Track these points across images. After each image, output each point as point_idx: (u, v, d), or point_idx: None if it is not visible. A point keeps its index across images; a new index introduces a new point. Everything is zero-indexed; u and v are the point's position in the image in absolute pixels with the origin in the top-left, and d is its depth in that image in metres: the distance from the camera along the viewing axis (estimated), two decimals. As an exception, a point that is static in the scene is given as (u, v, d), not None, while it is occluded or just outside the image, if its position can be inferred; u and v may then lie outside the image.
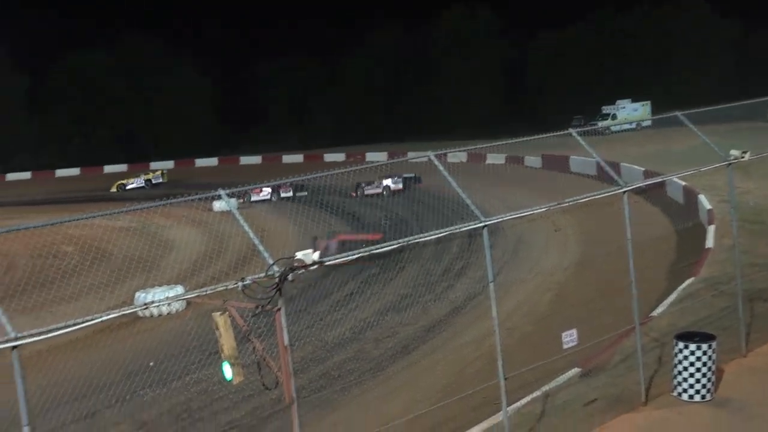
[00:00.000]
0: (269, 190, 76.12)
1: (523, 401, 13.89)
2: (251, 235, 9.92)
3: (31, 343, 8.33)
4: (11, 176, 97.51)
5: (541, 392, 14.27)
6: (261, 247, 9.70)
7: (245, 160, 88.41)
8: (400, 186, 52.30)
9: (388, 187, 52.02)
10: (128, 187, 77.59)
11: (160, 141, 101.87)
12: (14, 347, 8.12)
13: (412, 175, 50.29)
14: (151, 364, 21.57)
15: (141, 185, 77.72)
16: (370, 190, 51.04)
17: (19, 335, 8.12)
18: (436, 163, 11.81)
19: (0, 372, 9.03)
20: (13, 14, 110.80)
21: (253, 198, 75.93)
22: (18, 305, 8.88)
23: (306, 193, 45.02)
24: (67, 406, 18.57)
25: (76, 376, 20.71)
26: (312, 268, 10.20)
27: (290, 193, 71.89)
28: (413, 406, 16.54)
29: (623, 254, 13.09)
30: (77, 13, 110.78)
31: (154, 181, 78.63)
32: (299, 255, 9.60)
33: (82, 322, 8.79)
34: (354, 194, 49.30)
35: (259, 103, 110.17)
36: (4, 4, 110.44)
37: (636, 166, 41.60)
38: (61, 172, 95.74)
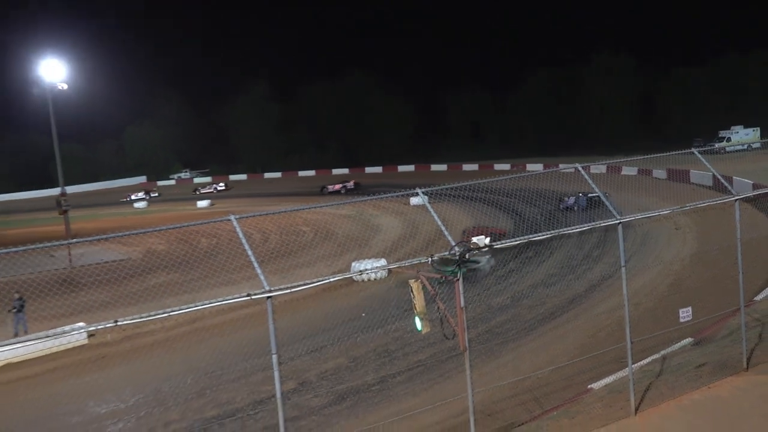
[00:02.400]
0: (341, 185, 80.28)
1: (645, 361, 13.39)
2: (439, 223, 10.02)
3: (279, 295, 8.72)
4: (267, 175, 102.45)
5: (660, 355, 13.73)
6: (446, 232, 9.80)
7: (435, 167, 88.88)
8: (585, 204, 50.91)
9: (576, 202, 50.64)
10: (330, 190, 77.97)
11: (373, 151, 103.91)
12: (268, 297, 8.53)
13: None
14: (363, 315, 22.12)
15: (336, 190, 78.07)
16: None
17: (272, 289, 8.52)
18: (582, 173, 11.53)
19: (259, 315, 9.51)
20: (269, 57, 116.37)
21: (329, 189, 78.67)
22: (271, 268, 9.42)
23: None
24: (302, 342, 19.35)
25: (309, 321, 21.56)
26: (483, 249, 10.20)
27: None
28: (556, 359, 16.25)
29: (733, 251, 12.41)
30: (315, 53, 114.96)
31: (348, 187, 79.05)
32: (474, 239, 9.60)
33: (316, 282, 9.16)
34: None
35: (445, 124, 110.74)
36: (263, 51, 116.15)
37: (746, 180, 38.96)
38: (302, 173, 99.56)
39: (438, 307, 9.73)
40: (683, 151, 14.18)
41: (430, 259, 9.56)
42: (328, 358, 18.89)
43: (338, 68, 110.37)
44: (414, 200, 44.55)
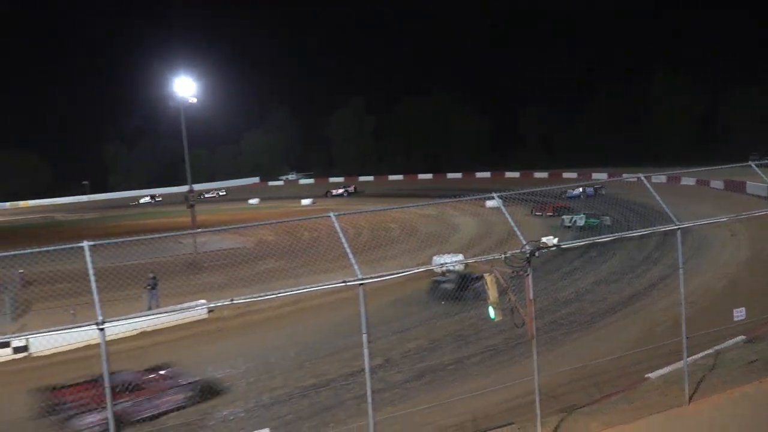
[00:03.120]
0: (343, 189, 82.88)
1: (699, 355, 12.83)
2: (512, 223, 9.90)
3: (370, 282, 8.82)
4: (361, 179, 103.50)
5: (713, 350, 13.11)
6: (518, 232, 9.67)
7: (509, 174, 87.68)
8: (593, 193, 49.84)
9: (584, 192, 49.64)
10: (334, 194, 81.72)
11: (454, 159, 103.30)
12: (361, 284, 8.64)
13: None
14: (443, 303, 22.08)
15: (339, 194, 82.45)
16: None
17: (364, 277, 8.63)
18: (645, 182, 11.15)
19: (351, 299, 9.66)
20: (368, 75, 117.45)
21: (334, 192, 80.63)
22: (362, 259, 9.56)
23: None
24: (388, 325, 19.50)
25: (394, 306, 21.69)
26: (552, 248, 10.02)
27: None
28: (615, 349, 15.78)
29: (786, 256, 11.76)
30: (407, 72, 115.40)
31: (350, 191, 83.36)
32: (543, 239, 9.46)
33: (402, 272, 9.23)
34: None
35: (519, 135, 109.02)
36: (362, 69, 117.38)
37: (801, 191, 36.86)
38: (391, 177, 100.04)
39: (509, 299, 9.62)
40: (740, 164, 13.52)
41: (503, 255, 9.47)
42: (410, 339, 18.96)
43: (426, 86, 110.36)
44: (489, 203, 44.14)
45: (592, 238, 10.57)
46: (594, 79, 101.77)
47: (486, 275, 9.53)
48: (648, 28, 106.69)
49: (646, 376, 12.62)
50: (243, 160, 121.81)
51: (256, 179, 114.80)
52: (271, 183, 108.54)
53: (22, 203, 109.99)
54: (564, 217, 42.88)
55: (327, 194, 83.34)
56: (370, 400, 8.72)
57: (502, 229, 33.98)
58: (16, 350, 20.84)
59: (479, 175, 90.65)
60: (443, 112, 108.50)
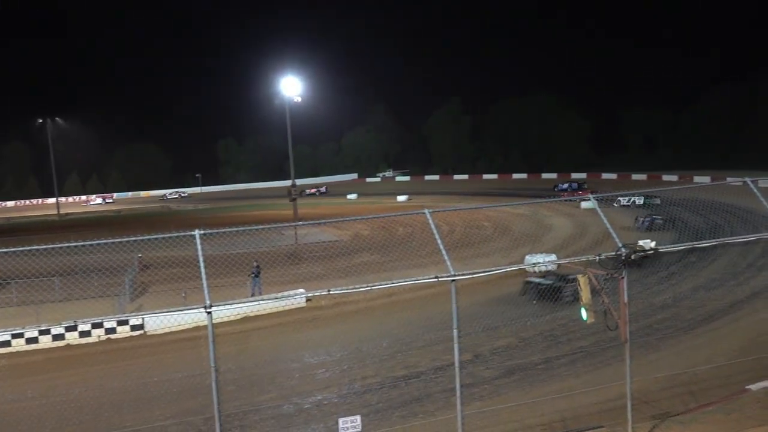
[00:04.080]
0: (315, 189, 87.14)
1: (808, 367, 11.92)
2: (607, 225, 9.56)
3: (462, 279, 8.76)
4: (457, 177, 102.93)
5: (824, 362, 12.14)
6: (614, 234, 9.33)
7: (605, 176, 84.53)
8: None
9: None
10: (308, 193, 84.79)
11: (550, 159, 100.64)
12: (453, 280, 8.61)
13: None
14: (534, 302, 21.62)
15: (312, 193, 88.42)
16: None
17: (457, 273, 8.59)
18: (751, 186, 10.46)
19: (443, 294, 9.63)
20: (465, 75, 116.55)
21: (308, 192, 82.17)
22: (455, 255, 9.39)
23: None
24: (478, 321, 19.25)
25: (485, 304, 21.42)
26: (648, 252, 9.60)
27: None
28: (714, 358, 14.92)
29: None
30: (504, 73, 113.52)
31: (321, 191, 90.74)
32: (640, 242, 9.06)
33: (494, 270, 9.12)
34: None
35: (619, 136, 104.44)
36: (457, 70, 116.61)
37: None
38: (486, 176, 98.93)
39: (603, 301, 9.31)
40: None
41: (597, 257, 9.17)
42: (500, 336, 18.68)
43: (524, 87, 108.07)
44: (585, 204, 42.77)
45: (691, 243, 10.04)
46: (700, 79, 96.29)
47: (579, 276, 9.26)
48: (757, 24, 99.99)
49: (747, 387, 11.85)
50: (343, 156, 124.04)
51: (355, 176, 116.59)
52: (368, 180, 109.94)
53: (143, 193, 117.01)
54: (620, 198, 43.03)
55: (302, 193, 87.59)
56: (458, 393, 8.68)
57: (597, 230, 32.94)
58: (133, 328, 22.14)
59: (575, 175, 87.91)
60: (540, 112, 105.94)
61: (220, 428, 7.84)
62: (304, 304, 24.04)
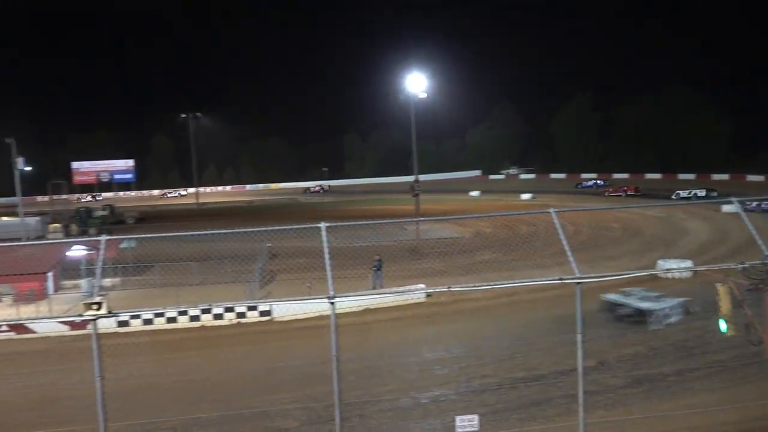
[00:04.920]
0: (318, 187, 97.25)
1: None
2: (753, 231, 8.82)
3: (588, 282, 8.44)
4: (584, 175, 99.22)
5: None
6: (759, 241, 8.60)
7: (750, 178, 78.14)
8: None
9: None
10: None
11: (687, 159, 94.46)
12: (578, 283, 8.30)
13: None
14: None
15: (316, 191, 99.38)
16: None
17: (582, 276, 8.28)
18: None
19: (566, 297, 9.32)
20: (594, 71, 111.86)
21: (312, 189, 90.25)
22: (580, 257, 8.93)
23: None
24: (604, 326, 18.49)
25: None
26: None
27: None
28: None
29: None
30: (636, 69, 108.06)
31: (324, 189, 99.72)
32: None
33: (623, 274, 8.70)
34: None
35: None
36: (586, 66, 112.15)
37: None
38: (617, 176, 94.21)
39: (745, 313, 8.63)
40: None
41: (741, 266, 8.48)
42: (628, 344, 17.81)
43: (658, 82, 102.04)
44: (726, 208, 39.82)
45: None
46: None
47: (719, 285, 8.63)
48: None
49: None
50: (466, 153, 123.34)
51: (478, 172, 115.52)
52: (492, 177, 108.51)
53: (272, 185, 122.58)
54: (679, 191, 41.32)
55: (306, 191, 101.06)
56: (581, 401, 8.38)
57: (739, 237, 30.54)
58: (262, 313, 23.26)
59: (716, 177, 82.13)
60: (675, 109, 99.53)
61: (339, 416, 8.05)
62: (423, 300, 24.15)
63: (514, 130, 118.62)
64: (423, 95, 43.26)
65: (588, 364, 11.97)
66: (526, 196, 70.97)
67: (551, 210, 8.87)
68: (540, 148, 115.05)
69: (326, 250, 7.99)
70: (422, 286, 23.27)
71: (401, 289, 24.44)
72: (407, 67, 45.03)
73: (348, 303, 20.06)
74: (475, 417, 8.60)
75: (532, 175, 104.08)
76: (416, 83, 42.66)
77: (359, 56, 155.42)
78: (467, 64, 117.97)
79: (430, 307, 23.56)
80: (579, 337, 8.24)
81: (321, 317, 18.90)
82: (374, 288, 25.59)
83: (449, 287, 8.73)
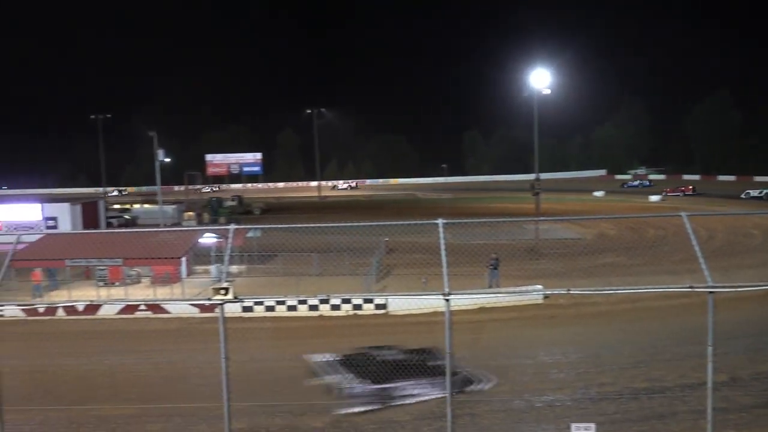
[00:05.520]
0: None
1: None
2: None
3: (721, 292, 7.91)
4: (721, 177, 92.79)
5: None
6: None
7: None
8: None
9: None
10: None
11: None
12: (710, 292, 7.79)
13: None
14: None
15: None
16: None
17: (716, 285, 7.76)
18: None
19: (696, 306, 8.77)
20: (735, 66, 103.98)
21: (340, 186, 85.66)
22: (713, 264, 8.22)
23: None
24: (738, 340, 17.20)
25: (748, 322, 19.07)
26: None
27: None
28: None
29: None
30: None
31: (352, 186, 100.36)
32: None
33: (763, 285, 8.06)
34: None
35: None
36: (725, 59, 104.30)
37: None
38: (758, 178, 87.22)
39: None
40: None
41: None
42: (765, 360, 16.48)
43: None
44: None
45: None
46: None
47: None
48: None
49: None
50: (591, 151, 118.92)
51: (603, 172, 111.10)
52: (618, 177, 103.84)
53: (392, 180, 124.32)
54: (749, 190, 39.93)
55: (334, 188, 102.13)
56: (710, 417, 7.86)
57: None
58: (377, 307, 23.65)
59: None
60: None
61: (451, 413, 8.05)
62: (541, 301, 23.59)
63: (642, 128, 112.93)
64: (546, 91, 42.14)
65: (719, 379, 11.22)
66: (654, 198, 67.40)
67: (683, 213, 8.37)
68: (671, 147, 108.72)
69: (443, 247, 8.00)
70: (540, 287, 22.72)
71: (518, 289, 24.00)
72: (531, 62, 44.09)
73: (463, 300, 19.97)
74: (592, 426, 8.30)
75: (662, 176, 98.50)
76: (540, 79, 41.64)
77: (482, 52, 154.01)
78: (594, 59, 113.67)
79: (548, 309, 22.98)
80: (710, 350, 7.74)
81: (435, 313, 18.98)
82: (490, 287, 25.30)
83: (568, 289, 8.47)
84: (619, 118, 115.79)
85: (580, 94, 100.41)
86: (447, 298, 7.79)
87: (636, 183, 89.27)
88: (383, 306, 23.65)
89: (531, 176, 45.97)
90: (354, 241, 30.13)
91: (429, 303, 20.40)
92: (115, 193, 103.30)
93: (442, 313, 7.95)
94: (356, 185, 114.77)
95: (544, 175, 51.46)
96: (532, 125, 41.39)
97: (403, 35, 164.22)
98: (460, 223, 9.12)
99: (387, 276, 29.06)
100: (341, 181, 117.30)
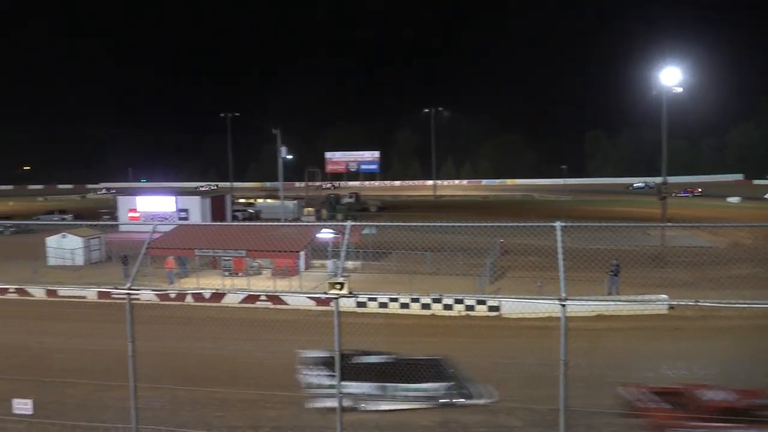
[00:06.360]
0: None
1: None
2: None
3: None
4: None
5: None
6: None
7: None
8: None
9: None
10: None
11: None
12: None
13: None
14: None
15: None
16: None
17: None
18: None
19: None
20: None
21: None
22: None
23: None
24: None
25: None
26: None
27: None
28: None
29: None
30: None
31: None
32: None
33: None
34: None
35: None
36: None
37: None
38: None
39: None
40: None
41: None
42: None
43: None
44: None
45: None
46: None
47: None
48: None
49: None
50: (726, 154, 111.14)
51: (740, 176, 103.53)
52: (756, 182, 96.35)
53: (508, 181, 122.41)
54: None
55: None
56: None
57: None
58: (491, 308, 23.37)
59: None
60: None
61: (564, 423, 7.81)
62: (665, 312, 22.36)
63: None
64: (678, 89, 39.83)
65: None
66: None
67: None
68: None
69: (560, 250, 7.77)
70: (665, 296, 21.55)
71: (640, 297, 22.88)
72: (661, 58, 41.85)
73: (580, 307, 19.33)
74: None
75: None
76: (670, 76, 39.43)
77: (607, 48, 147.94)
78: (728, 56, 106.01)
79: (673, 320, 21.72)
80: None
81: (550, 318, 18.50)
82: (609, 294, 24.31)
83: (696, 301, 7.96)
84: (757, 118, 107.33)
85: (714, 94, 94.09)
86: (563, 303, 7.57)
87: (641, 185, 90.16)
88: (496, 308, 23.33)
89: (658, 179, 43.62)
90: (468, 241, 29.95)
91: (544, 307, 19.88)
92: (207, 188, 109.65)
93: (557, 319, 7.74)
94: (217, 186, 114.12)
95: (672, 179, 48.77)
96: (660, 125, 39.29)
97: (522, 33, 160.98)
98: (578, 226, 8.82)
99: (501, 278, 28.64)
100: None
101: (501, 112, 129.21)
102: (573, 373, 7.85)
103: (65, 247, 33.88)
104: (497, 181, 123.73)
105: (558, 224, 7.91)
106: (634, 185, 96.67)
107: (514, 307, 22.50)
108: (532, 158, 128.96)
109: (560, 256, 7.73)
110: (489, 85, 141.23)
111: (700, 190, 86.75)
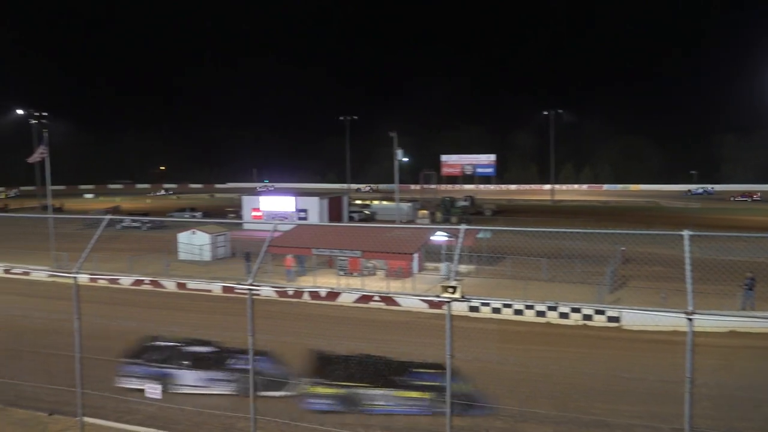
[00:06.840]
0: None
1: None
2: None
3: None
4: None
5: None
6: None
7: None
8: None
9: None
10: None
11: None
12: None
13: None
14: None
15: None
16: None
17: None
18: None
19: None
20: None
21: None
22: None
23: None
24: None
25: None
26: None
27: None
28: None
29: None
30: None
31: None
32: None
33: None
34: None
35: None
36: None
37: None
38: None
39: None
40: None
41: None
42: None
43: None
44: None
45: None
46: None
47: None
48: None
49: None
50: None
51: None
52: None
53: (632, 186, 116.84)
54: None
55: (357, 190, 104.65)
56: None
57: None
58: (610, 319, 22.41)
59: None
60: None
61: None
62: (808, 330, 20.49)
63: None
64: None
65: None
66: None
67: None
68: None
69: (688, 261, 7.32)
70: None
71: (778, 314, 21.10)
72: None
73: (709, 322, 18.09)
74: None
75: None
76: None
77: (740, 41, 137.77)
78: None
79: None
80: None
81: (675, 332, 17.44)
82: (743, 309, 22.61)
83: None
84: None
85: None
86: (690, 317, 7.12)
87: (700, 191, 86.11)
88: (616, 319, 22.35)
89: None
90: (587, 248, 28.87)
91: (669, 321, 18.76)
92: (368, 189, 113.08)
93: (682, 333, 7.29)
94: (377, 188, 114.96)
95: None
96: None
97: (641, 31, 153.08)
98: (709, 236, 8.27)
99: (622, 287, 27.39)
100: (363, 185, 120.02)
101: (624, 113, 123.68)
102: (699, 391, 7.37)
103: (194, 243, 36.08)
104: (619, 186, 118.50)
105: (686, 233, 7.45)
106: (693, 191, 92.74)
107: (635, 318, 21.45)
108: (657, 162, 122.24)
109: (688, 267, 7.29)
110: (611, 86, 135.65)
111: (758, 194, 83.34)
